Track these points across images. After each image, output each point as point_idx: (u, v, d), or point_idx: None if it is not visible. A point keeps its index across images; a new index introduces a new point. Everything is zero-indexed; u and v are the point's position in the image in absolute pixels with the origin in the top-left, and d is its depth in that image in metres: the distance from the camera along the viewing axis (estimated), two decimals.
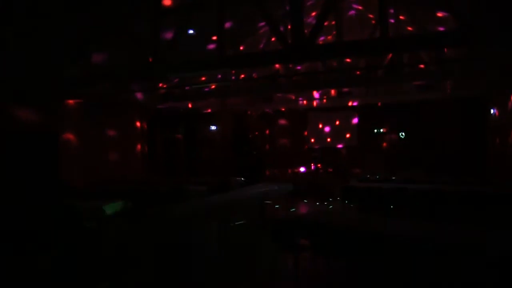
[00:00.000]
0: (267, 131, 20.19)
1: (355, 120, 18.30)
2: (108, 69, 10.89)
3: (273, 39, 11.24)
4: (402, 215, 5.76)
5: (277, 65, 17.38)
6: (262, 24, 12.48)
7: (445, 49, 11.21)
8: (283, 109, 19.02)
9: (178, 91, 14.47)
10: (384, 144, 17.67)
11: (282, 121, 19.97)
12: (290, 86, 13.93)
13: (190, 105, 16.42)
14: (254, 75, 15.37)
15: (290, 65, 13.66)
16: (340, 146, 18.60)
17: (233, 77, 14.03)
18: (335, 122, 18.69)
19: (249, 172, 17.70)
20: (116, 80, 10.34)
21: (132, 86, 11.80)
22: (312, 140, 19.17)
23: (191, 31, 11.54)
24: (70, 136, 12.40)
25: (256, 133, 19.78)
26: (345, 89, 15.29)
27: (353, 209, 9.59)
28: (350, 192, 10.02)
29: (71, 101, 12.46)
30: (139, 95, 14.04)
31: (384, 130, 16.97)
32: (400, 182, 10.71)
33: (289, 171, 18.02)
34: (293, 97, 16.70)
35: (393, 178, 11.62)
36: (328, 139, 18.82)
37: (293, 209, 10.53)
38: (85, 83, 10.49)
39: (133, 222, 7.42)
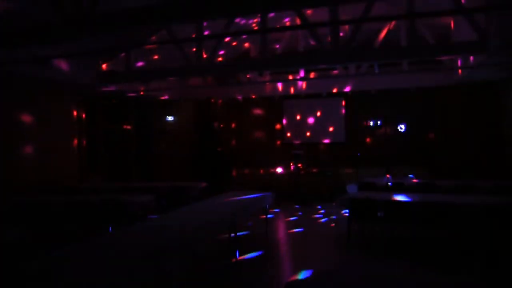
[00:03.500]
0: (235, 123, 16.86)
1: (342, 111, 15.31)
2: None
3: None
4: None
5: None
6: None
7: None
8: (253, 96, 15.72)
9: (121, 67, 11.00)
10: (378, 139, 14.76)
11: (254, 111, 16.69)
12: (262, 63, 10.49)
13: (142, 89, 12.98)
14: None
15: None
16: (324, 141, 15.56)
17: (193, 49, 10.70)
18: (317, 113, 15.63)
19: (213, 174, 14.87)
20: (6, 39, 6.77)
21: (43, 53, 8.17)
22: (288, 135, 16.03)
23: None
24: None
25: (222, 125, 16.46)
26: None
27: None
28: (356, 206, 6.95)
29: None
30: (65, 69, 10.44)
31: (378, 123, 13.99)
32: (426, 189, 7.76)
33: (262, 171, 14.85)
34: (267, 78, 13.57)
35: (414, 183, 8.64)
36: (308, 133, 15.74)
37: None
38: None
39: None
